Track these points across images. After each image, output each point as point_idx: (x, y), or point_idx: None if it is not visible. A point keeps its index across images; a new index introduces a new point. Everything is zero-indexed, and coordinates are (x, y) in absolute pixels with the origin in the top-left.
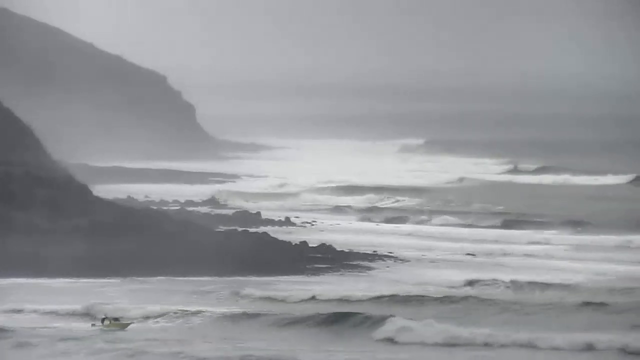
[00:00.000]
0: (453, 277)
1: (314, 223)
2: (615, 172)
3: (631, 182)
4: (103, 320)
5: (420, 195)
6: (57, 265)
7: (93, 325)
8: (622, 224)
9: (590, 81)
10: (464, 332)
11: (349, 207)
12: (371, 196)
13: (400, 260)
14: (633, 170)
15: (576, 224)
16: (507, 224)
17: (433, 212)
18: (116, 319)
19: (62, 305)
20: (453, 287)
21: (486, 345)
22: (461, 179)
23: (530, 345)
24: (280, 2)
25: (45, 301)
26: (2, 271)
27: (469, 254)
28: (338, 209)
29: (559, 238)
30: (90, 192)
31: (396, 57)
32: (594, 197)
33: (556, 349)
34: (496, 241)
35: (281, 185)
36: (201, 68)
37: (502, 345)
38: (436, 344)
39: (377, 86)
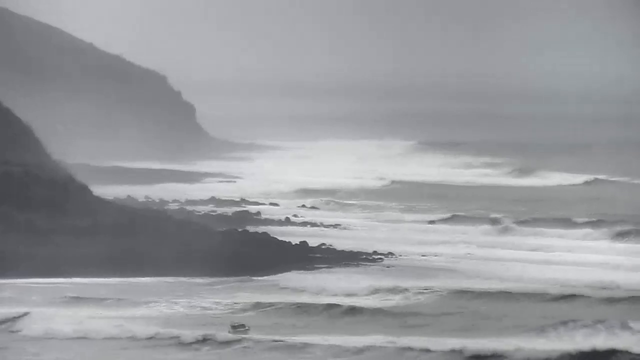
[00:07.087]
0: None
1: (314, 224)
2: (572, 173)
3: (587, 182)
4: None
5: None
6: (56, 266)
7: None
8: (571, 225)
9: (572, 82)
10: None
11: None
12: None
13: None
14: (590, 171)
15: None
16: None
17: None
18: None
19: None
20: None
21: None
22: (392, 182)
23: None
24: (280, 3)
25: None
26: (1, 271)
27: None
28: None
29: (495, 241)
30: (90, 192)
31: (400, 59)
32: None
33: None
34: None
35: (279, 183)
36: (201, 68)
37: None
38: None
39: (376, 87)
